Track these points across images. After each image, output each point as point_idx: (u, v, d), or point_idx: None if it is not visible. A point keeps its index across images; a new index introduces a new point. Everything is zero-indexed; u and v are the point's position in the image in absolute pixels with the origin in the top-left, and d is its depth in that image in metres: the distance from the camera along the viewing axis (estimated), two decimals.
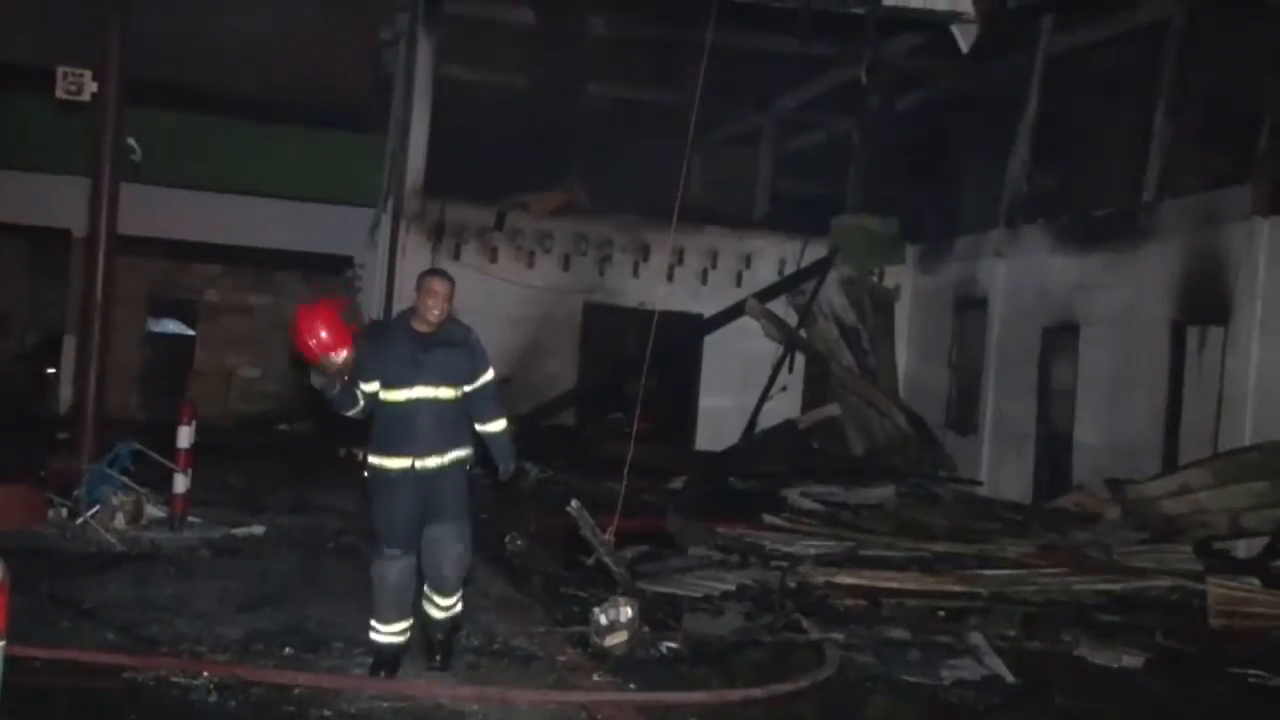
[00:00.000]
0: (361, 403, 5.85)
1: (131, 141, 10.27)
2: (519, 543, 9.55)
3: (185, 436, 9.35)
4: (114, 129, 9.97)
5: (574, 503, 7.98)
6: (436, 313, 5.78)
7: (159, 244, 17.34)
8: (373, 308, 17.53)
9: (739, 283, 17.39)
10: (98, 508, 9.04)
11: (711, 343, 17.16)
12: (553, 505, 10.31)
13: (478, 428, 5.96)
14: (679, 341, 16.39)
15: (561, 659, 6.33)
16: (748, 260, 17.61)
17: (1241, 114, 12.16)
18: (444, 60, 17.11)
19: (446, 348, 5.82)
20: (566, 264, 17.16)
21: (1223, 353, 11.61)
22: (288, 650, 6.17)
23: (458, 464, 5.88)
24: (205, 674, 5.60)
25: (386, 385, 5.77)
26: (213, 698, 5.34)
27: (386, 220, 17.09)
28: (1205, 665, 7.08)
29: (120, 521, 9.04)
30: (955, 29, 14.39)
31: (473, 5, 17.51)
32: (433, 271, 6.05)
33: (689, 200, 12.00)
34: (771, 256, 17.68)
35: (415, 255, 16.57)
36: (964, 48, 14.29)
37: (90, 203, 10.22)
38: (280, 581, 7.83)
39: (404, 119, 17.01)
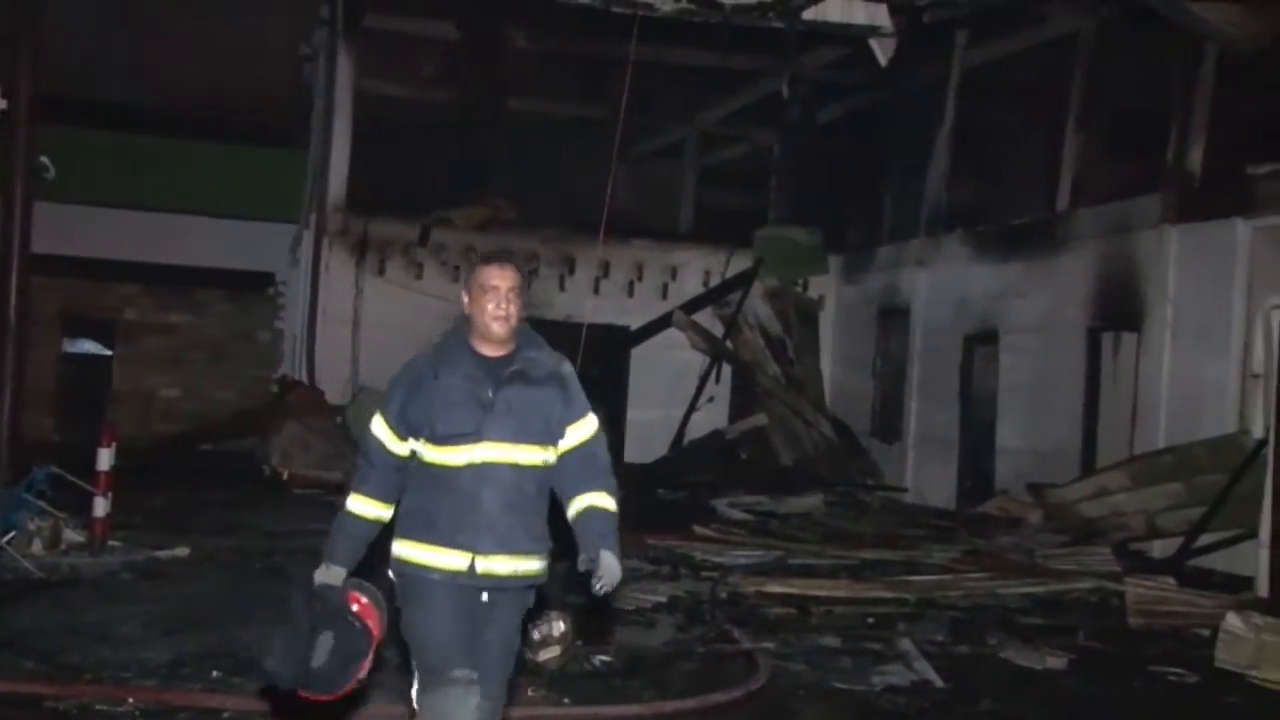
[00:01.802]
0: (391, 489, 3.94)
1: (44, 160, 10.07)
2: None
3: (105, 459, 9.15)
4: (25, 146, 9.77)
5: None
6: (505, 324, 3.88)
7: (74, 263, 16.99)
8: (296, 325, 17.35)
9: (665, 295, 17.46)
10: (13, 534, 8.82)
11: (639, 355, 17.21)
12: None
13: (571, 505, 3.94)
14: (606, 353, 16.42)
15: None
16: (673, 272, 17.70)
17: (1150, 124, 12.47)
18: (365, 75, 17.00)
19: (527, 383, 3.89)
20: None
21: (1136, 358, 11.89)
22: (216, 673, 6.08)
23: (530, 581, 3.93)
24: (130, 701, 5.50)
25: (435, 440, 3.83)
26: None
27: (309, 237, 16.92)
28: (1125, 664, 7.23)
29: (38, 547, 8.83)
30: (873, 43, 14.59)
31: (393, 19, 17.41)
32: (492, 257, 4.05)
33: (614, 213, 12.05)
34: (697, 268, 17.78)
35: (338, 272, 16.47)
36: (882, 61, 14.50)
37: (1, 222, 10.00)
38: (206, 604, 7.71)
39: (325, 134, 16.86)
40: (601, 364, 16.02)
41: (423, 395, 3.84)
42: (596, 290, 16.64)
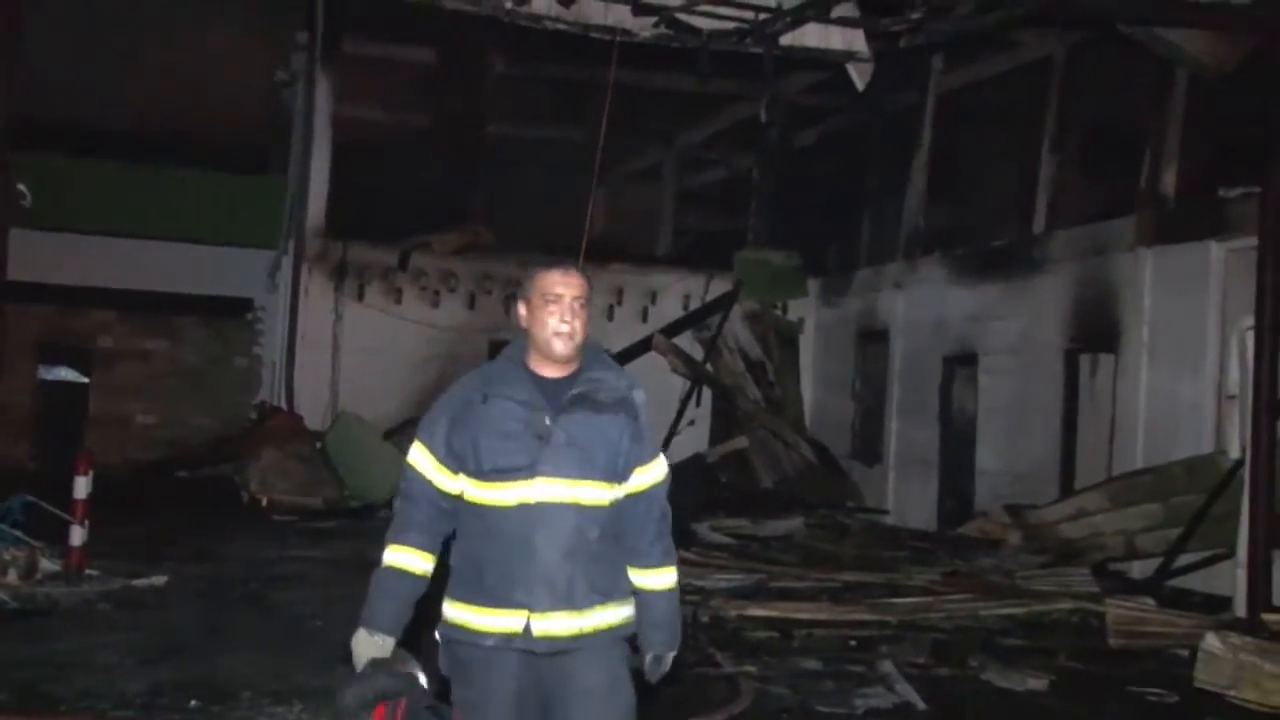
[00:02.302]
0: (438, 536, 3.42)
1: (21, 187, 10.05)
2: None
3: (82, 487, 9.09)
4: (2, 174, 9.75)
5: None
6: (569, 340, 3.36)
7: (49, 290, 16.92)
8: (274, 350, 17.29)
9: (645, 319, 17.49)
10: None
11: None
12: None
13: (634, 566, 3.46)
14: None
15: None
16: (653, 296, 17.73)
17: (1124, 147, 12.59)
18: (343, 100, 17.02)
19: (591, 409, 3.37)
20: (472, 303, 17.11)
21: (1114, 379, 11.96)
22: (194, 703, 6.03)
23: (610, 635, 3.39)
24: None
25: (481, 475, 3.32)
26: None
27: (287, 262, 16.89)
28: (1105, 685, 7.25)
29: (13, 577, 8.75)
30: (850, 67, 14.69)
31: (372, 44, 17.46)
32: (555, 262, 3.49)
33: (594, 237, 12.08)
34: (676, 292, 17.82)
35: (317, 297, 16.45)
36: (859, 85, 14.60)
37: None
38: (184, 632, 7.65)
39: (303, 159, 16.86)
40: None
41: (469, 422, 3.31)
42: None
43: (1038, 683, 7.07)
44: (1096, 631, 8.34)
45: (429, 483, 3.38)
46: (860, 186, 17.95)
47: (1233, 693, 6.62)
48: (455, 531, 3.41)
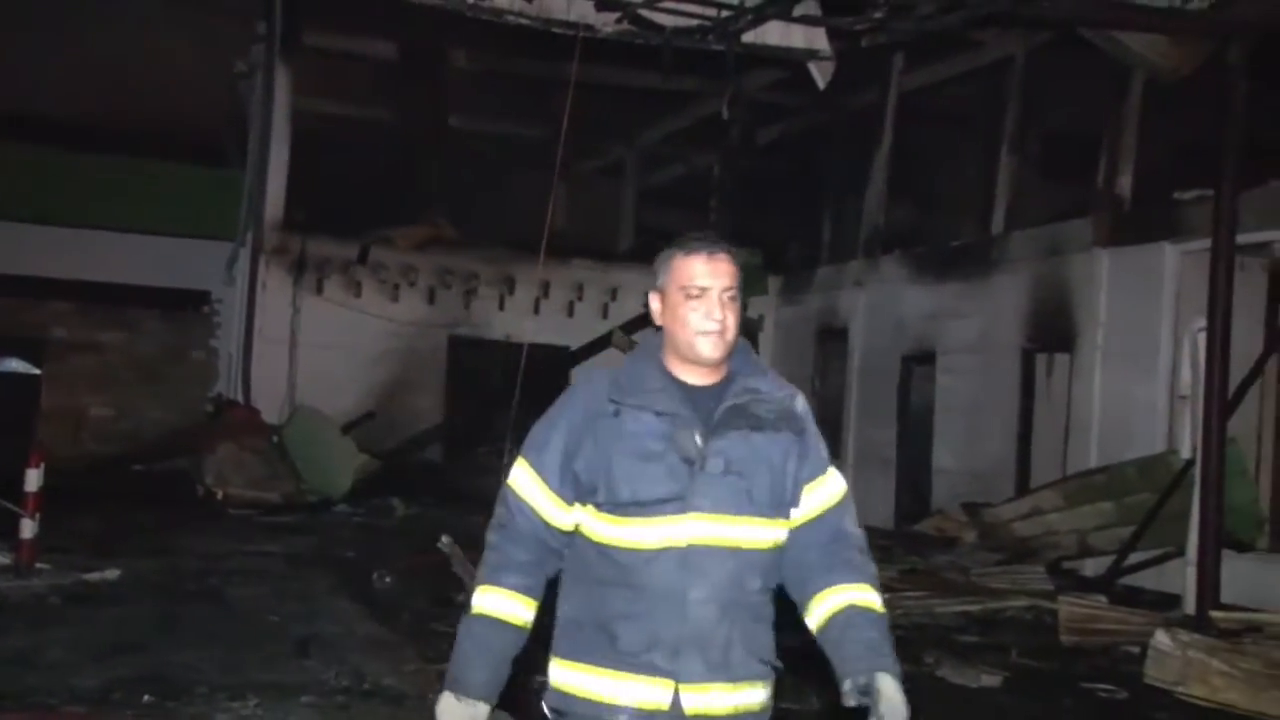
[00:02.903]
0: (543, 579, 2.80)
1: None
2: (388, 580, 9.42)
3: (33, 479, 8.99)
4: None
5: (444, 538, 7.92)
6: (719, 340, 2.71)
7: (2, 280, 16.71)
8: (231, 343, 17.15)
9: (605, 315, 17.48)
10: None
11: (579, 375, 17.18)
12: (421, 541, 10.20)
13: (818, 605, 2.79)
14: (546, 373, 16.39)
15: (434, 697, 6.24)
16: (614, 293, 17.73)
17: (1081, 149, 12.72)
18: (303, 93, 16.89)
19: (751, 426, 2.73)
20: (432, 297, 17.04)
21: (1069, 379, 12.09)
22: (147, 698, 5.97)
23: (758, 715, 2.77)
24: None
25: (615, 508, 2.68)
26: None
27: (245, 255, 16.76)
28: (1058, 681, 7.33)
29: None
30: (812, 66, 14.74)
31: (332, 37, 17.33)
32: (699, 244, 2.77)
33: (555, 233, 12.06)
34: (637, 289, 17.79)
35: (275, 290, 16.33)
36: (821, 84, 14.66)
37: None
38: (138, 627, 7.57)
39: (262, 152, 16.72)
40: (541, 384, 16.01)
41: (597, 440, 2.68)
42: (537, 310, 16.60)
43: (992, 679, 7.13)
44: (1050, 628, 8.43)
45: (536, 515, 2.73)
46: (821, 185, 18.02)
47: (1181, 689, 6.71)
48: (564, 573, 2.78)
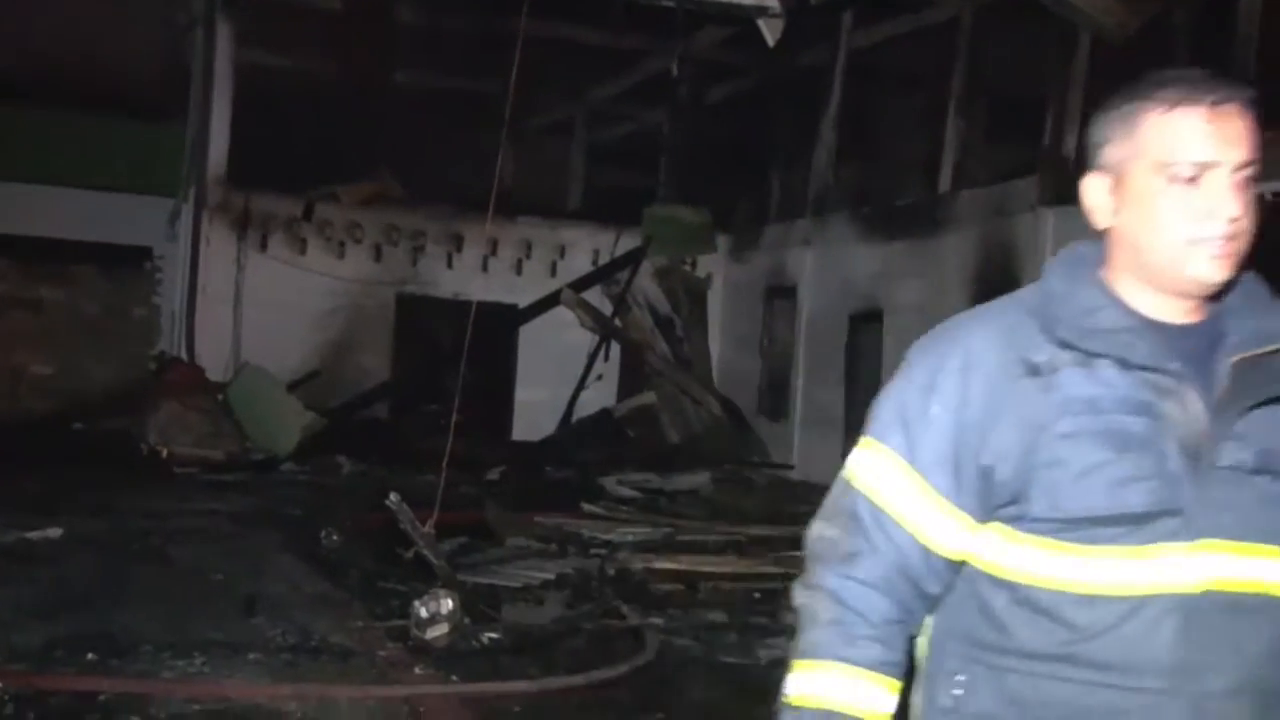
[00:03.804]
0: (904, 639, 1.76)
1: None
2: (335, 538, 9.38)
3: None
4: None
5: (393, 496, 7.88)
6: (1229, 251, 1.68)
7: None
8: (174, 300, 16.92)
9: (554, 273, 17.41)
10: None
11: (527, 333, 17.14)
12: (368, 500, 10.16)
13: None
14: (494, 332, 16.34)
15: (382, 654, 6.26)
16: (562, 251, 17.66)
17: (1028, 109, 12.79)
18: (245, 46, 16.62)
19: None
20: (378, 255, 16.89)
21: None
22: (91, 656, 5.91)
23: None
24: (0, 685, 5.32)
25: (1059, 528, 1.63)
26: (9, 710, 5.09)
27: (187, 211, 16.50)
28: None
29: None
30: (761, 23, 14.72)
31: None
32: (1186, 85, 1.75)
33: (503, 191, 11.98)
34: (586, 247, 17.76)
35: (219, 247, 16.13)
36: (770, 42, 14.64)
37: None
38: (81, 586, 7.49)
39: (203, 106, 16.45)
40: (489, 342, 15.97)
41: (1018, 411, 1.69)
42: (485, 268, 16.53)
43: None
44: None
45: (915, 539, 1.75)
46: (770, 143, 18.02)
47: None
48: (936, 641, 1.80)
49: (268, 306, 15.87)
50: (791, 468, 15.43)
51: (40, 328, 17.61)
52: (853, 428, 14.61)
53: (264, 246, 16.25)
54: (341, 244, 16.71)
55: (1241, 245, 1.70)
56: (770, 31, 14.76)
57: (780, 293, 16.59)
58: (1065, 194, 11.78)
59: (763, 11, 14.65)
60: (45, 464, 12.10)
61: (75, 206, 17.06)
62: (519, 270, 17.38)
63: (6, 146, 16.85)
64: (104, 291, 17.97)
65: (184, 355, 15.77)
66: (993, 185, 13.08)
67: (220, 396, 14.08)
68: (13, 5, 16.53)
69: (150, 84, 18.02)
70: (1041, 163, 12.26)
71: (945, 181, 13.89)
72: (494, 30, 16.11)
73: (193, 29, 17.21)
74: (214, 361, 15.39)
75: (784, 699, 1.79)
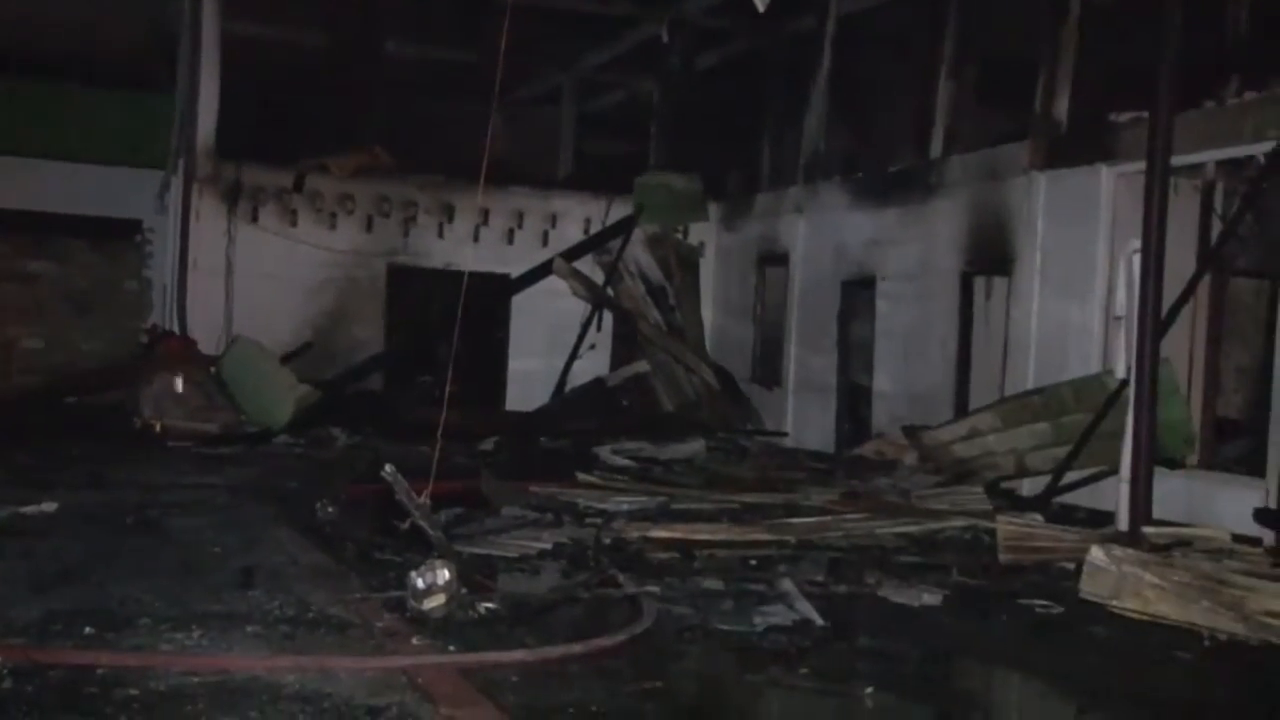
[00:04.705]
0: None
1: None
2: (330, 510, 9.38)
3: None
4: None
5: (388, 467, 7.87)
6: None
7: None
8: (165, 273, 16.87)
9: (545, 242, 17.39)
10: None
11: (519, 303, 17.12)
12: (363, 471, 10.17)
13: None
14: (486, 302, 16.31)
15: (379, 625, 6.25)
16: (553, 220, 17.62)
17: (1019, 73, 12.74)
18: (232, 15, 16.50)
19: None
20: (369, 226, 16.84)
21: (1007, 302, 12.22)
22: (88, 630, 5.91)
23: None
24: None
25: None
26: (7, 684, 5.09)
27: (177, 183, 16.42)
28: (996, 598, 7.48)
29: None
30: None
31: None
32: None
33: (493, 160, 11.92)
34: (577, 216, 17.72)
35: (209, 219, 16.07)
36: (760, 7, 14.54)
37: None
38: (77, 560, 7.48)
39: (192, 77, 16.34)
40: (482, 312, 15.96)
41: None
42: (476, 238, 16.49)
43: (932, 598, 7.26)
44: (988, 548, 8.58)
45: None
46: (761, 110, 17.95)
47: (1115, 602, 6.87)
48: None
49: (259, 278, 15.84)
50: (785, 435, 15.46)
51: (30, 302, 17.57)
52: (845, 393, 14.74)
53: (254, 218, 16.20)
54: (333, 215, 16.66)
55: None
56: None
57: (772, 260, 16.58)
58: (1057, 157, 11.77)
59: None
60: (38, 438, 12.09)
61: (63, 179, 17.01)
62: (510, 240, 17.35)
63: None
64: (94, 265, 17.93)
65: (176, 328, 15.73)
66: (984, 150, 13.05)
67: (213, 369, 14.05)
68: None
69: (138, 56, 17.91)
70: (1033, 127, 12.23)
71: (937, 147, 13.85)
72: None
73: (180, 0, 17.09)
74: (206, 334, 15.36)
75: None
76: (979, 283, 12.92)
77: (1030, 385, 11.46)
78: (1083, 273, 11.21)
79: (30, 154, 16.91)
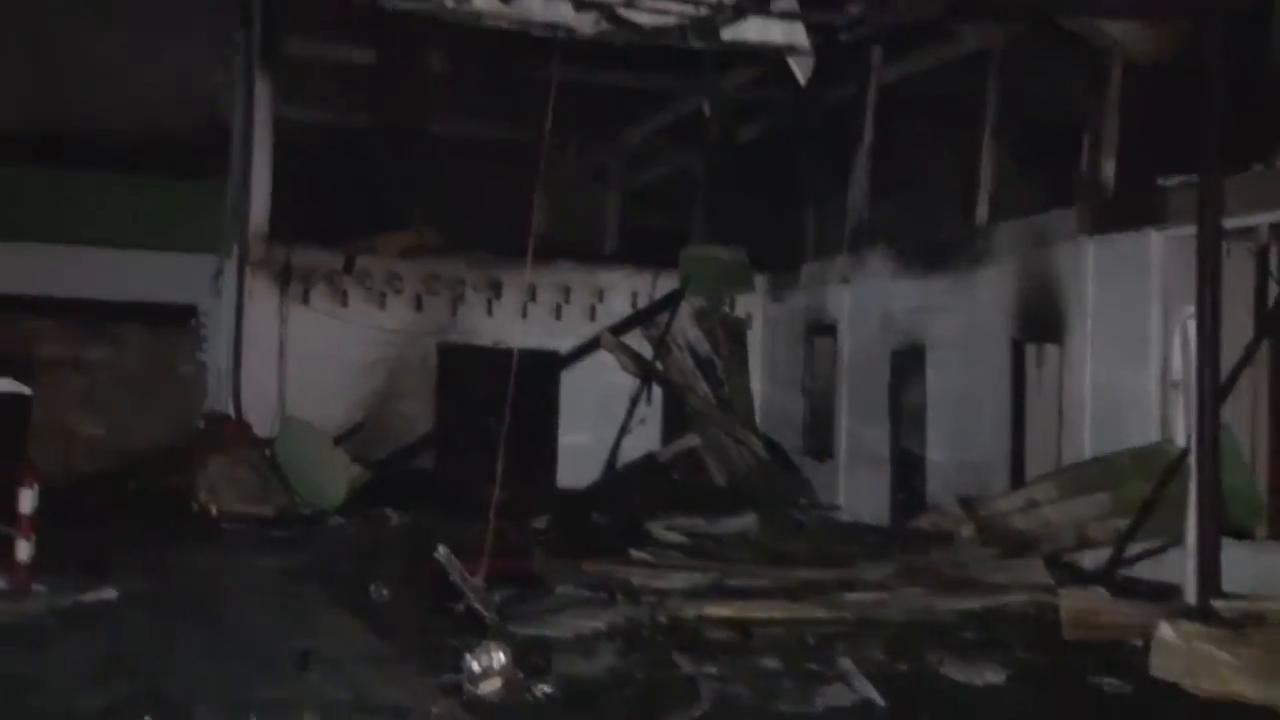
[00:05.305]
0: None
1: None
2: (384, 592, 9.38)
3: (27, 501, 8.93)
4: None
5: (441, 549, 7.89)
6: None
7: None
8: (219, 357, 17.07)
9: (593, 317, 17.45)
10: None
11: (569, 378, 17.16)
12: (417, 552, 10.15)
13: None
14: (535, 378, 16.35)
15: (435, 710, 6.23)
16: (600, 294, 17.70)
17: (1063, 137, 12.72)
18: (283, 102, 16.83)
19: None
20: (419, 305, 17.00)
21: (1060, 369, 12.09)
22: (148, 718, 5.93)
23: None
24: None
25: None
26: None
27: (230, 267, 16.68)
28: (1063, 676, 7.32)
29: None
30: (791, 61, 14.73)
31: (311, 45, 17.28)
32: None
33: (539, 236, 12.03)
34: (624, 290, 17.79)
35: (262, 302, 16.28)
36: (801, 80, 14.65)
37: None
38: (136, 647, 7.53)
39: (244, 163, 16.66)
40: (531, 388, 16.00)
41: None
42: (524, 314, 16.60)
43: (995, 676, 7.13)
44: (1051, 623, 8.42)
45: None
46: (804, 180, 18.01)
47: (1188, 681, 6.70)
48: None
49: (311, 359, 15.99)
50: (838, 507, 15.31)
51: (89, 388, 17.81)
52: (898, 463, 14.61)
53: (306, 300, 16.40)
54: (382, 295, 16.83)
55: None
56: (801, 69, 14.78)
57: (820, 330, 16.54)
58: (1105, 222, 11.71)
59: (792, 49, 14.68)
60: (98, 524, 12.19)
61: (118, 266, 17.28)
62: (558, 315, 17.43)
63: (51, 209, 17.12)
64: (150, 350, 18.16)
65: (231, 411, 15.88)
66: (1030, 216, 13.00)
67: (267, 451, 14.16)
68: (56, 70, 16.84)
69: (191, 143, 18.26)
70: (1079, 191, 12.18)
71: (982, 213, 13.82)
72: (525, 77, 16.26)
73: (232, 86, 17.45)
74: (260, 416, 15.50)
75: None
76: (1030, 350, 12.80)
77: (1088, 454, 11.29)
78: (1137, 339, 11.08)
79: (85, 242, 17.20)
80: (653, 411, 17.13)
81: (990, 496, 11.93)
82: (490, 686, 6.45)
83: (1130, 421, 11.00)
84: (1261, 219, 10.27)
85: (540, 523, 13.46)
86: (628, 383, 16.96)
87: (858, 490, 15.29)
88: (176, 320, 18.18)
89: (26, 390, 17.60)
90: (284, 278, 16.36)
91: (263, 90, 16.53)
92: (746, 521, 13.27)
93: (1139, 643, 7.56)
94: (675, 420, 17.21)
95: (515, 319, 16.13)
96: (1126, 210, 11.53)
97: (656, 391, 17.16)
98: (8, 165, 16.70)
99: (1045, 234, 12.51)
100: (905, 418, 14.61)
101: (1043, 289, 12.40)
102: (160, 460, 16.00)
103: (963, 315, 13.59)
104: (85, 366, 17.89)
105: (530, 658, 7.22)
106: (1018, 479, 12.30)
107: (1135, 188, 11.62)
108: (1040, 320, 12.42)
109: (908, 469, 14.40)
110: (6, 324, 17.50)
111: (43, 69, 16.90)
